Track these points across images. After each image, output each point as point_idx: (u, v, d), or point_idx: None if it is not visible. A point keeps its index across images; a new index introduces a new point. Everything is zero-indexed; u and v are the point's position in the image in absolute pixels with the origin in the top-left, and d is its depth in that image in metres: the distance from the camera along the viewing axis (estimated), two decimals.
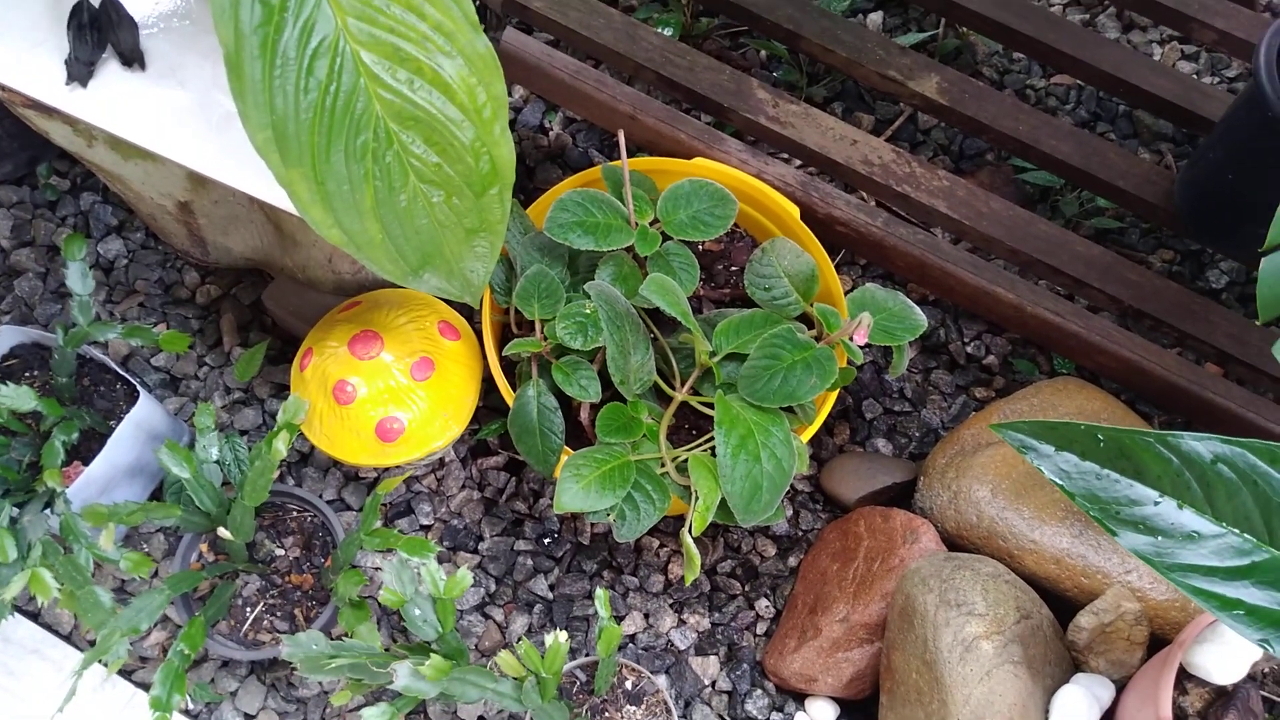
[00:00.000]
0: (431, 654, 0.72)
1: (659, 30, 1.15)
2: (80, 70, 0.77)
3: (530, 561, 1.04)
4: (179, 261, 1.13)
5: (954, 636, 0.83)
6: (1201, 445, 0.62)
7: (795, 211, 1.00)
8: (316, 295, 1.05)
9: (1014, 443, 0.63)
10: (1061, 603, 0.91)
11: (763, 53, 1.29)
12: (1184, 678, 0.81)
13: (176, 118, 0.78)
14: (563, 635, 0.75)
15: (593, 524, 1.06)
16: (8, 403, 0.87)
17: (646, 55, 1.09)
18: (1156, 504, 0.63)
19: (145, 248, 1.13)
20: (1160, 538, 0.63)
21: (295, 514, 0.95)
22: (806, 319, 0.92)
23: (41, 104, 0.79)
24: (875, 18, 1.32)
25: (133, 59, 0.78)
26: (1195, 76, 1.31)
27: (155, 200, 0.98)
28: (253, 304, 1.11)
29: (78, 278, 0.92)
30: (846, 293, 0.97)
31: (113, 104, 0.78)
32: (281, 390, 1.08)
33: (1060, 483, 0.63)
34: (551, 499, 1.07)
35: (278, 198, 0.78)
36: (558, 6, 1.11)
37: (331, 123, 0.64)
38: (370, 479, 1.06)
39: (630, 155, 0.94)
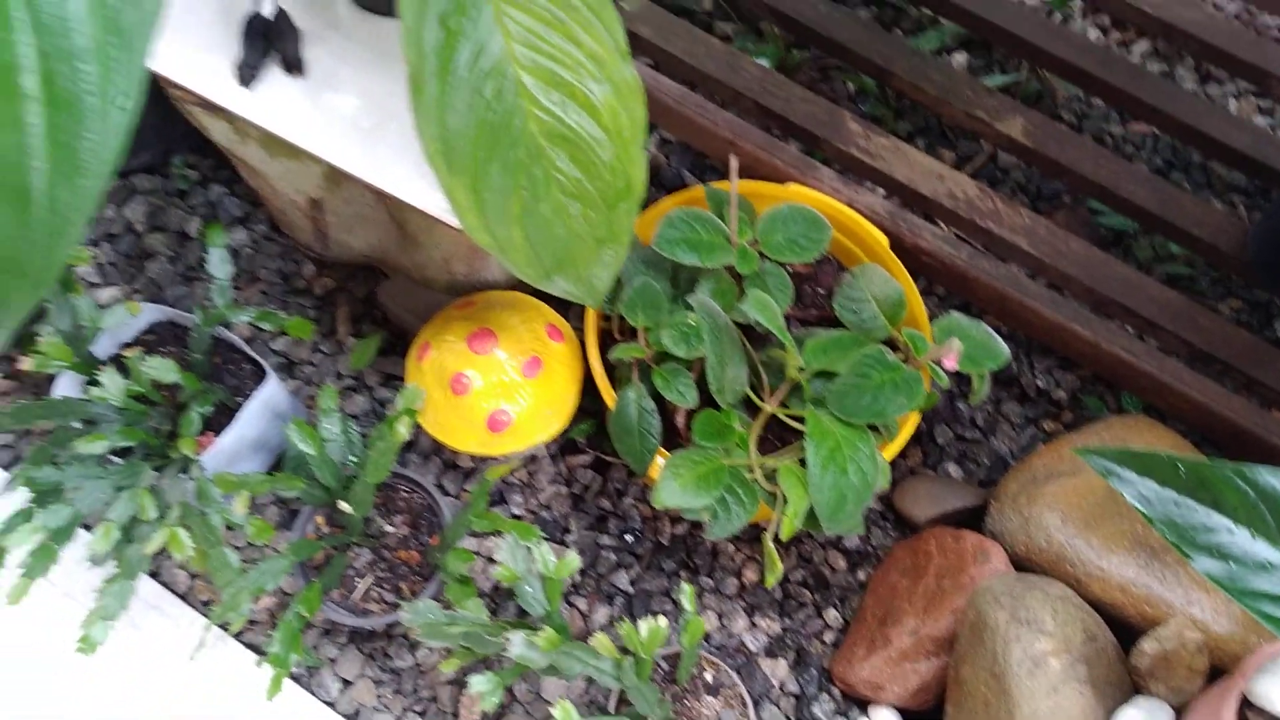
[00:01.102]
0: (541, 629, 0.78)
1: (757, 60, 1.22)
2: (247, 74, 0.85)
3: (613, 556, 1.10)
4: (298, 254, 1.20)
5: (1023, 652, 0.88)
6: (1277, 480, 0.67)
7: (884, 240, 1.05)
8: (429, 293, 1.12)
9: (1098, 467, 0.68)
10: (1124, 628, 0.96)
11: (851, 86, 1.35)
12: (1245, 706, 0.85)
13: (330, 122, 0.86)
14: (662, 621, 0.81)
15: (673, 525, 1.12)
16: (153, 374, 0.94)
17: (746, 84, 1.16)
18: (1232, 533, 0.68)
19: (268, 239, 1.21)
20: (1234, 564, 0.67)
21: (405, 494, 1.02)
22: (891, 343, 0.97)
23: (211, 102, 0.86)
24: (960, 58, 1.38)
25: (294, 66, 0.85)
26: (1271, 131, 1.35)
27: (290, 196, 1.06)
28: (365, 297, 1.18)
29: (218, 263, 1.00)
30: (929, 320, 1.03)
31: (274, 106, 0.85)
32: (389, 379, 1.15)
33: (1140, 507, 0.68)
34: (635, 499, 1.13)
35: (420, 200, 0.85)
36: (662, 34, 1.18)
37: (492, 138, 0.71)
38: (467, 468, 1.13)
39: (728, 178, 1.00)
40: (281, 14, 0.83)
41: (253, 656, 1.04)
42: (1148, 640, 0.90)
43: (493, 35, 0.67)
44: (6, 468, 1.11)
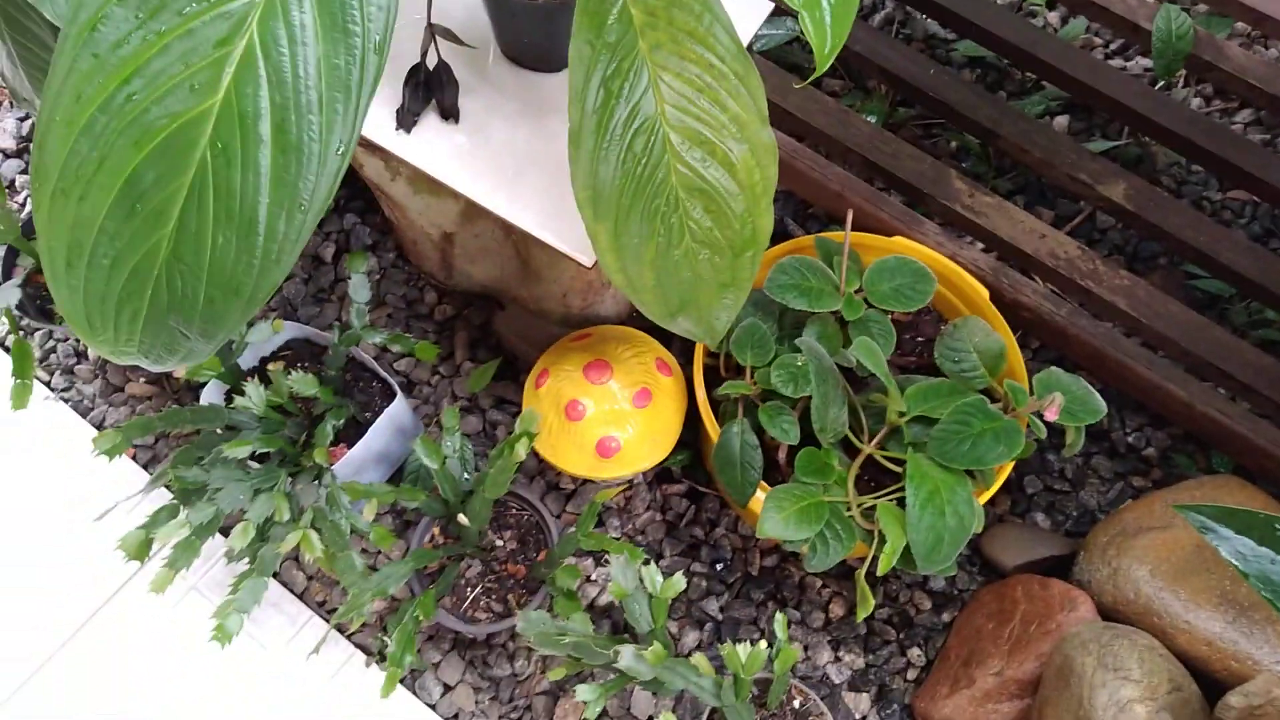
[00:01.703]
0: (649, 644, 0.83)
1: (865, 117, 1.27)
2: (408, 120, 0.92)
3: (704, 583, 1.14)
4: (422, 281, 1.28)
5: (1109, 697, 0.90)
6: None
7: (985, 293, 1.09)
8: (543, 324, 1.19)
9: (1196, 523, 0.71)
10: (1209, 682, 0.97)
11: (954, 143, 1.39)
12: None
13: (478, 166, 0.93)
14: (763, 644, 0.86)
15: (762, 558, 1.16)
16: (295, 387, 1.02)
17: (856, 140, 1.21)
18: None
19: (394, 266, 1.29)
20: None
21: (514, 511, 1.08)
22: (990, 393, 1.01)
23: (372, 144, 0.94)
24: (1062, 120, 1.41)
25: (450, 114, 0.93)
26: None
27: (425, 228, 1.14)
28: (481, 324, 1.26)
29: (358, 288, 1.08)
30: (1028, 373, 1.06)
31: (430, 149, 0.93)
32: (501, 402, 1.22)
33: (1236, 563, 0.70)
34: (726, 529, 1.17)
35: (555, 239, 0.92)
36: (777, 89, 1.24)
37: (637, 188, 0.77)
38: (568, 489, 1.18)
39: (833, 229, 1.05)
40: (443, 65, 0.91)
41: (361, 656, 1.11)
42: (1234, 695, 0.92)
43: (647, 97, 0.73)
44: (145, 466, 1.20)
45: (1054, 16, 1.51)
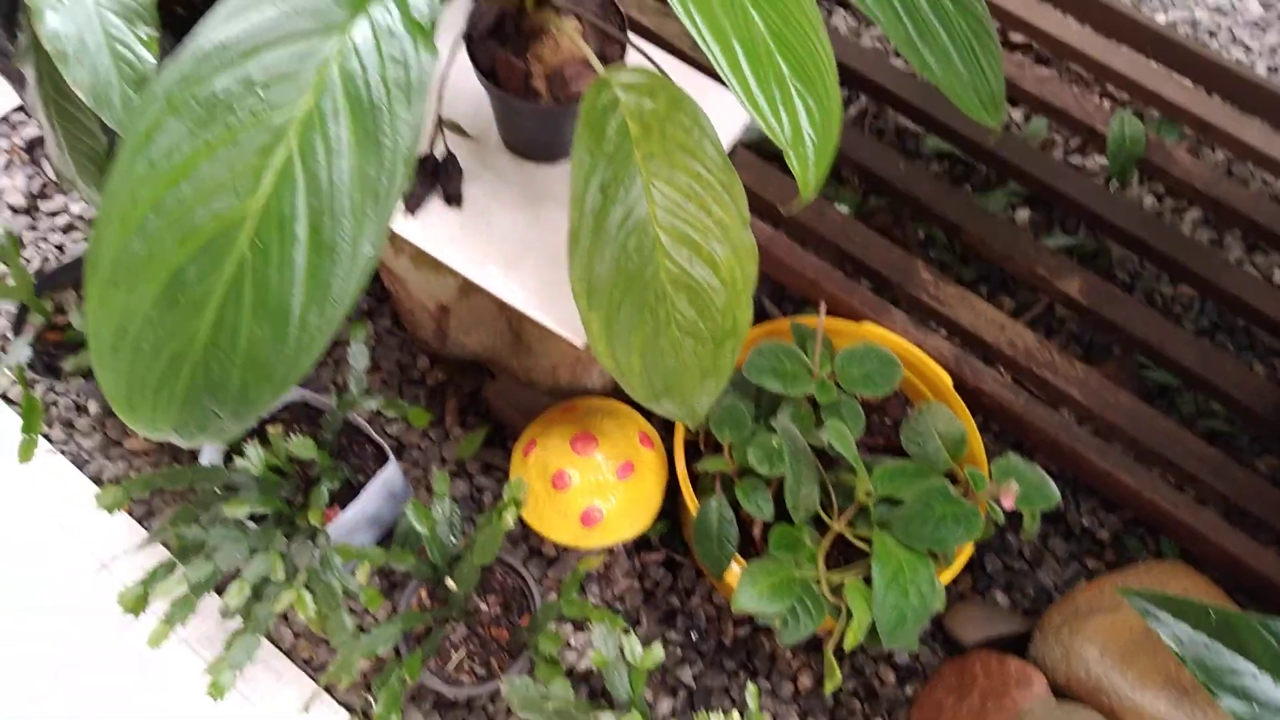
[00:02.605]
0: (628, 711, 0.88)
1: (839, 207, 1.35)
2: (414, 204, 0.99)
3: (679, 651, 1.19)
4: (415, 348, 1.34)
5: None
6: None
7: (948, 380, 1.16)
8: (531, 394, 1.25)
9: (1138, 607, 0.78)
10: None
11: (922, 232, 1.48)
12: None
13: (480, 249, 0.99)
14: (735, 714, 0.90)
15: (735, 627, 1.21)
16: (295, 450, 1.07)
17: (830, 230, 1.29)
18: (1256, 678, 0.77)
19: (389, 333, 1.34)
20: (1257, 706, 0.76)
21: (499, 576, 1.13)
22: (952, 475, 1.08)
23: None
24: (1024, 213, 1.51)
25: (455, 200, 0.99)
26: None
27: (422, 301, 1.19)
28: (471, 392, 1.31)
29: (358, 355, 1.13)
30: (987, 456, 1.13)
31: (434, 232, 0.99)
32: (488, 468, 1.27)
33: (1174, 647, 0.77)
34: (701, 598, 1.22)
35: (548, 320, 0.98)
36: (759, 180, 1.32)
37: (628, 282, 0.83)
38: (550, 555, 1.23)
39: (807, 311, 1.12)
40: (450, 156, 0.97)
41: (345, 715, 1.14)
42: None
43: (641, 202, 0.80)
44: (140, 520, 1.24)
45: (1018, 113, 1.61)
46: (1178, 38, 1.45)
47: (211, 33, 0.61)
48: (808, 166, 0.58)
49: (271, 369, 0.65)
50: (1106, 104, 1.63)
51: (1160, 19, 1.75)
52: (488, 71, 0.90)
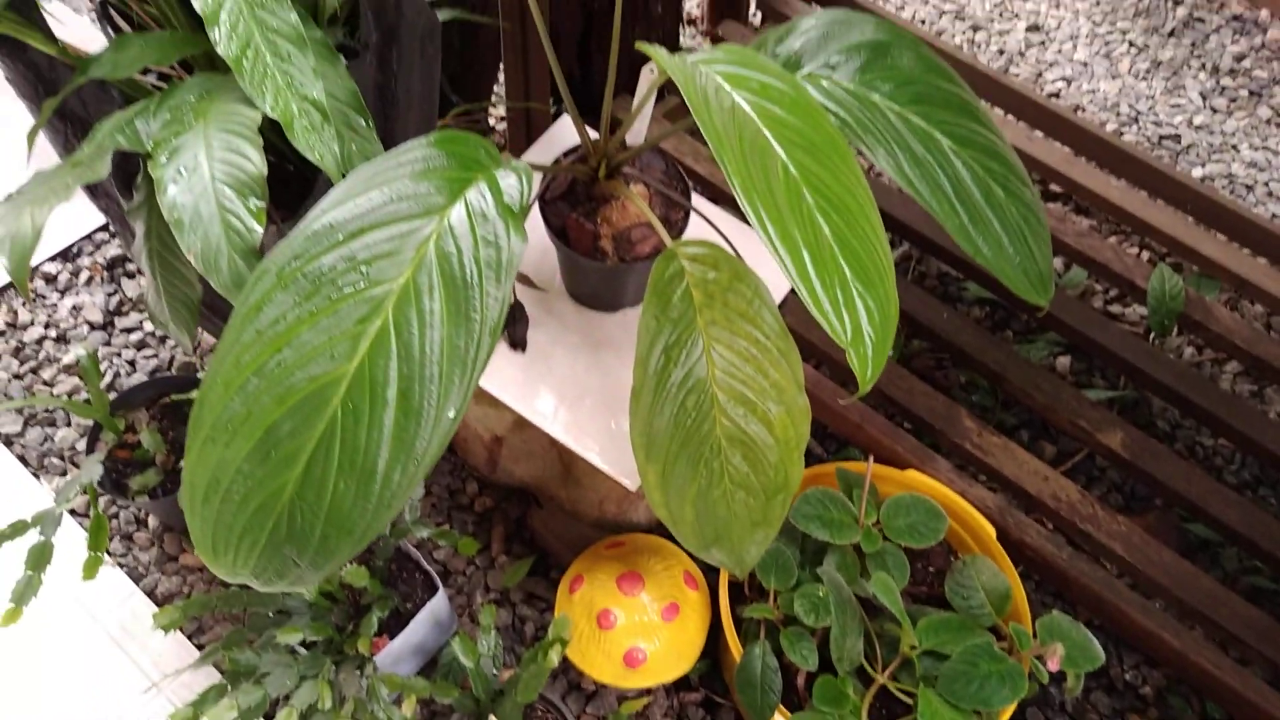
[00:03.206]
0: None
1: None
2: None
3: None
4: (465, 473, 1.37)
5: None
6: None
7: (992, 531, 1.17)
8: (577, 525, 1.27)
9: None
10: None
11: (963, 378, 1.51)
12: None
13: (541, 392, 1.03)
14: None
15: None
16: (348, 578, 1.10)
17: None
18: None
19: (442, 459, 1.38)
20: None
21: (539, 711, 1.13)
22: (996, 630, 1.08)
23: None
24: (1065, 361, 1.53)
25: (519, 345, 1.04)
26: None
27: (478, 431, 1.23)
28: (518, 519, 1.34)
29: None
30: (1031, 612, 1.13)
31: (498, 374, 1.04)
32: (531, 598, 1.28)
33: None
34: None
35: (602, 463, 1.01)
36: (802, 322, 1.37)
37: (685, 437, 0.87)
38: (589, 690, 1.24)
39: (850, 450, 1.14)
40: (517, 303, 1.03)
41: None
42: None
43: (701, 363, 0.84)
44: (190, 636, 1.26)
45: (1058, 261, 1.65)
46: (1214, 194, 1.49)
47: (322, 215, 0.66)
48: (867, 364, 0.61)
49: (353, 523, 0.68)
50: (1145, 256, 1.67)
51: (1197, 173, 1.80)
52: (559, 231, 0.95)
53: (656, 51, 0.70)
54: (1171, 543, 1.35)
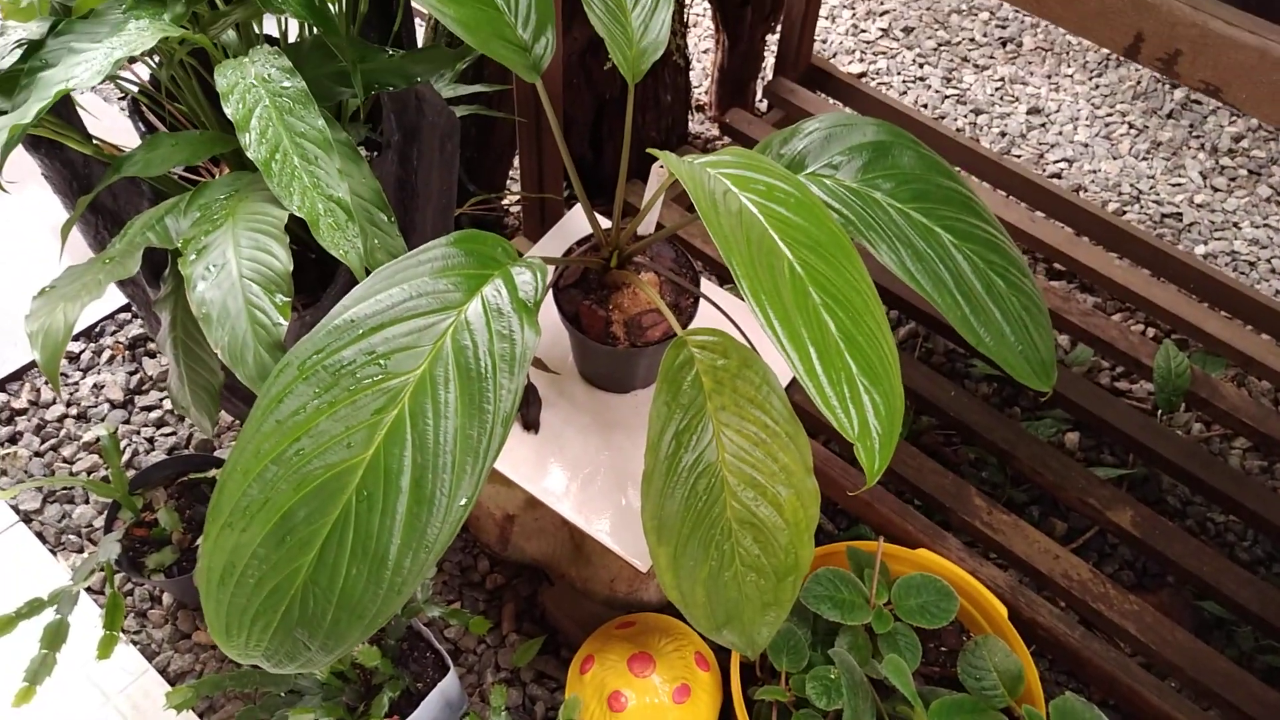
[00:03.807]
0: None
1: None
2: None
3: None
4: (476, 550, 1.38)
5: None
6: None
7: (1004, 611, 1.17)
8: (588, 602, 1.27)
9: None
10: None
11: (972, 455, 1.52)
12: None
13: (553, 472, 1.05)
14: None
15: None
16: (360, 658, 1.10)
17: None
18: None
19: None
20: None
21: None
22: (1008, 712, 1.07)
23: None
24: (1074, 437, 1.54)
25: (532, 427, 1.06)
26: None
27: (490, 509, 1.25)
28: (529, 596, 1.34)
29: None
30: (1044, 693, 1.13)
31: (510, 454, 1.06)
32: (541, 677, 1.28)
33: None
34: None
35: (612, 544, 1.02)
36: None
37: (696, 520, 0.88)
38: None
39: (860, 527, 1.15)
40: (530, 386, 1.05)
41: None
42: None
43: (711, 448, 0.86)
44: (201, 716, 1.26)
45: (1063, 338, 1.67)
46: (1217, 272, 1.52)
47: (344, 311, 0.69)
48: (874, 458, 0.63)
49: (365, 608, 0.70)
50: (1150, 333, 1.69)
51: (1199, 251, 1.83)
52: (571, 317, 0.98)
53: (666, 156, 0.73)
54: (1185, 621, 1.35)
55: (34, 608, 1.07)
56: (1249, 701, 1.15)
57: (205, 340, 0.87)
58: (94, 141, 0.97)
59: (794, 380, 1.20)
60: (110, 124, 1.85)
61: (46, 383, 1.54)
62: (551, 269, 1.06)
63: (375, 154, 1.05)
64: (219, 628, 0.72)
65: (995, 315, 0.79)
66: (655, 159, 1.18)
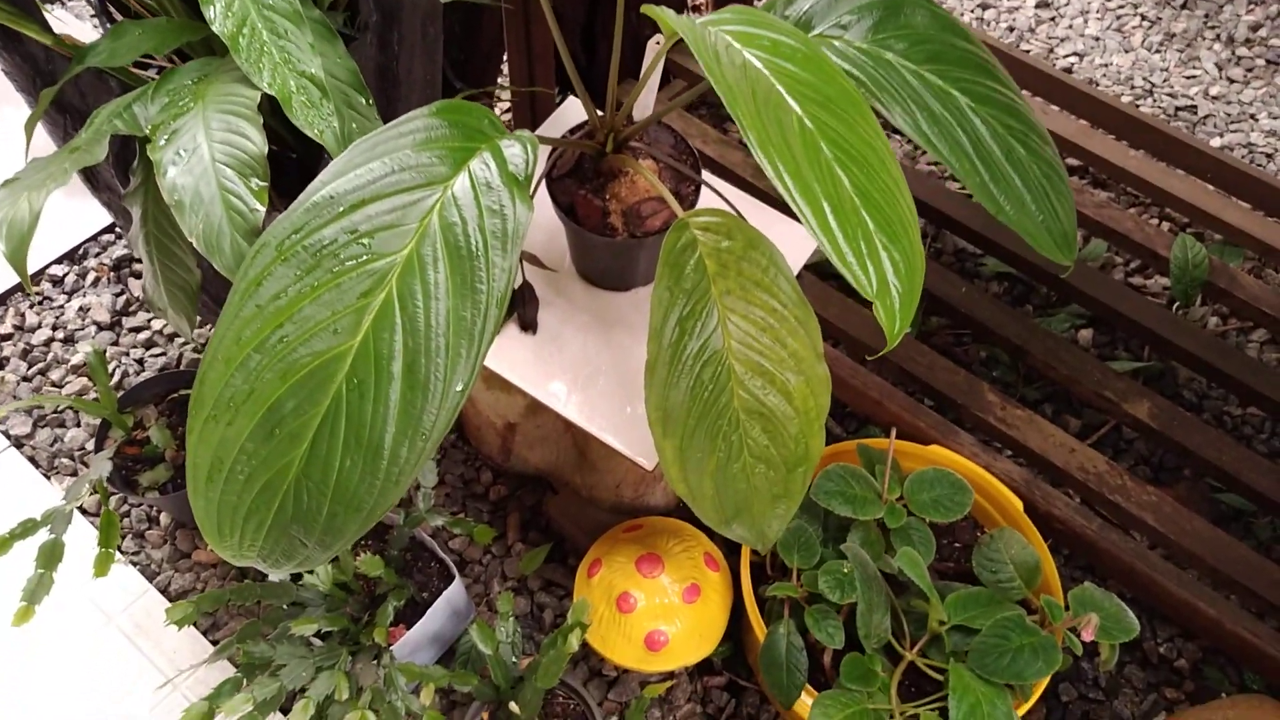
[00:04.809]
0: None
1: None
2: None
3: None
4: (479, 462, 1.36)
5: None
6: None
7: (1019, 504, 1.15)
8: (594, 510, 1.25)
9: None
10: None
11: (983, 353, 1.48)
12: None
13: (553, 373, 1.01)
14: None
15: None
16: (363, 568, 1.08)
17: (892, 351, 1.30)
18: None
19: (454, 447, 1.36)
20: None
21: (560, 698, 1.11)
22: (1026, 603, 1.05)
23: None
24: (1087, 334, 1.50)
25: (530, 327, 1.02)
26: None
27: (490, 418, 1.22)
28: (533, 506, 1.32)
29: (427, 472, 1.15)
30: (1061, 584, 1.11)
31: (509, 357, 1.02)
32: (549, 585, 1.27)
33: None
34: None
35: (617, 443, 0.99)
36: (818, 299, 1.34)
37: (702, 410, 0.85)
38: (610, 677, 1.22)
39: (870, 428, 1.12)
40: (526, 284, 1.01)
41: None
42: None
43: (716, 334, 0.82)
44: (205, 633, 1.25)
45: (1077, 234, 1.62)
46: (1234, 161, 1.46)
47: (323, 187, 0.64)
48: (894, 316, 0.59)
49: (361, 501, 0.67)
50: (1166, 226, 1.64)
51: (1215, 143, 1.77)
52: (567, 209, 0.94)
53: (663, 13, 0.68)
54: (1203, 513, 1.32)
55: (27, 528, 1.05)
56: (1271, 588, 1.13)
57: (179, 234, 0.83)
58: (56, 35, 0.92)
59: (800, 274, 1.16)
60: (77, 29, 1.78)
61: (30, 305, 1.49)
62: (544, 149, 1.01)
63: (355, 41, 0.99)
64: (210, 527, 0.69)
65: (1015, 182, 0.75)
66: (649, 44, 1.12)
